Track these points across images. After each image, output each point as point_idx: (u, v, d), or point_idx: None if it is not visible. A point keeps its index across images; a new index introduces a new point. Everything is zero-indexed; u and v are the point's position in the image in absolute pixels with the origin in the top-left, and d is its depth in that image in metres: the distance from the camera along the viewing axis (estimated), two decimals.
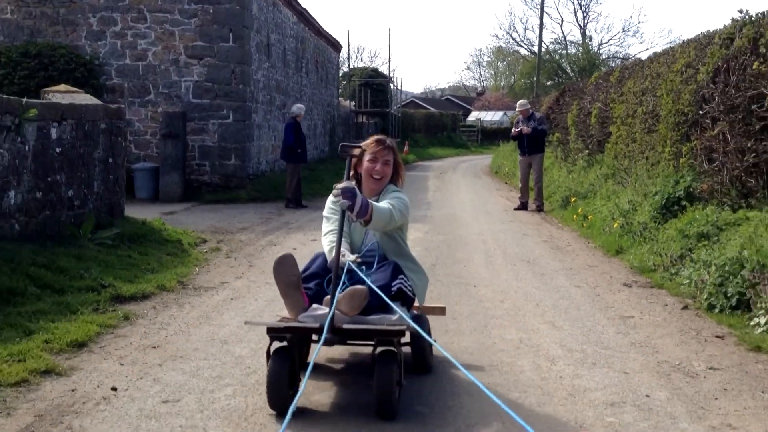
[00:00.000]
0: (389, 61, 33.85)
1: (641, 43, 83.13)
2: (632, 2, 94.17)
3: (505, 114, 51.70)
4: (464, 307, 5.98)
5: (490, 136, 48.57)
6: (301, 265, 3.99)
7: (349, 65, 33.11)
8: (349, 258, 3.84)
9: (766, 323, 5.12)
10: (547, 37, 62.59)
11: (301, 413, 3.61)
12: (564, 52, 52.86)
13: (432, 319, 5.57)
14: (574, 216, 11.50)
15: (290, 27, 18.74)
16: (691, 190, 8.70)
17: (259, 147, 15.87)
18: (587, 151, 14.65)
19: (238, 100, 14.61)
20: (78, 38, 14.45)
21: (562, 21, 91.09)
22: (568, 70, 51.59)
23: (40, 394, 3.85)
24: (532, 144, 13.32)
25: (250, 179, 15.07)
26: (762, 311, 5.26)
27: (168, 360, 4.46)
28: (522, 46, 55.46)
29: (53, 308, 5.25)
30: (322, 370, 4.29)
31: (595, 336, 5.18)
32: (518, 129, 13.40)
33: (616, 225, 9.54)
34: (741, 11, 8.87)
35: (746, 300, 5.61)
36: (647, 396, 3.98)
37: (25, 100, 6.65)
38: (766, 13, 8.29)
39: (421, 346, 4.29)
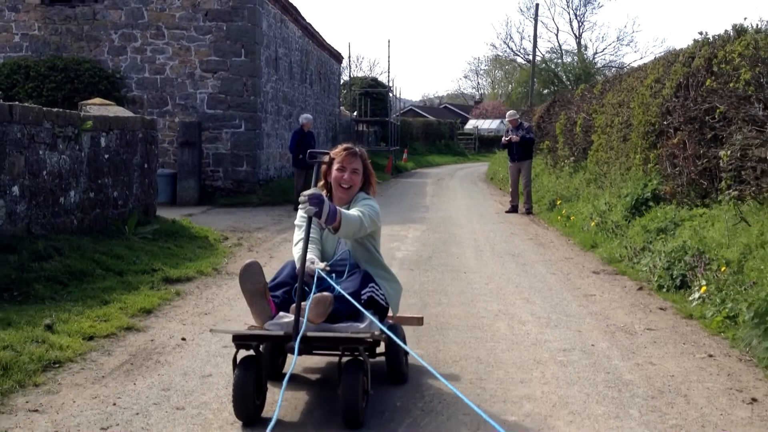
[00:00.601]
0: (389, 72, 35.05)
1: (635, 51, 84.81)
2: (627, 12, 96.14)
3: (501, 122, 52.96)
4: (455, 288, 7.22)
5: (487, 144, 49.89)
6: (271, 275, 4.13)
7: (350, 75, 34.38)
8: (318, 266, 3.83)
9: (699, 297, 6.35)
10: (543, 47, 64.12)
11: (269, 423, 3.79)
12: (560, 61, 54.16)
13: (427, 294, 6.82)
14: (559, 217, 12.75)
15: (296, 41, 20.03)
16: (657, 191, 9.96)
17: (268, 154, 17.12)
18: (573, 158, 15.92)
19: (250, 111, 15.87)
20: (101, 53, 15.71)
21: (558, 30, 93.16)
22: (564, 78, 52.93)
23: (128, 342, 5.08)
24: (521, 151, 14.56)
25: (260, 184, 16.30)
26: (697, 287, 6.49)
27: (219, 322, 5.68)
28: (518, 55, 56.85)
29: (118, 286, 6.48)
30: (296, 379, 4.32)
31: (561, 308, 6.41)
32: (508, 138, 14.66)
33: (593, 224, 10.78)
34: (701, 33, 10.18)
35: (687, 280, 6.85)
36: (592, 345, 5.22)
37: (82, 113, 7.89)
38: (720, 36, 9.58)
39: (395, 356, 4.27)
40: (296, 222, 4.24)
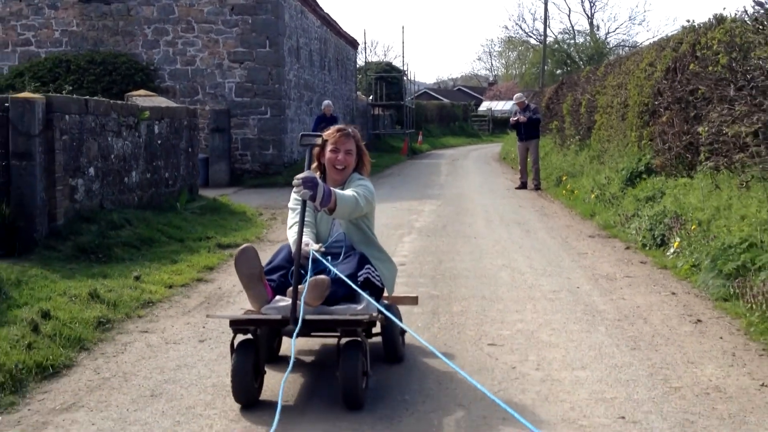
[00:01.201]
0: (403, 57, 36.14)
1: (648, 30, 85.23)
2: None
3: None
4: (466, 249, 8.42)
5: (501, 125, 50.77)
6: (266, 258, 4.19)
7: (365, 60, 35.47)
8: (313, 247, 3.84)
9: (673, 251, 7.51)
10: (556, 27, 64.88)
11: (269, 406, 3.66)
12: (572, 41, 54.86)
13: (442, 254, 8.03)
14: (564, 191, 13.89)
15: (314, 30, 21.19)
16: (650, 165, 11.09)
17: (292, 138, 18.35)
18: (578, 137, 17.03)
19: (274, 98, 17.09)
20: (135, 47, 16.97)
21: (570, 11, 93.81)
22: (577, 59, 53.66)
23: (200, 290, 6.34)
24: (528, 131, 15.69)
25: (285, 166, 17.54)
26: (674, 245, 7.65)
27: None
28: (531, 37, 57.58)
29: (181, 249, 7.75)
30: (288, 363, 4.32)
31: (556, 263, 7.60)
32: (516, 118, 15.78)
33: (593, 196, 11.92)
34: (688, 20, 11.27)
35: (665, 239, 8.01)
36: (577, 287, 6.41)
37: (140, 104, 9.14)
38: (704, 24, 10.67)
39: (391, 337, 4.35)
40: (290, 205, 4.28)
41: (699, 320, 5.34)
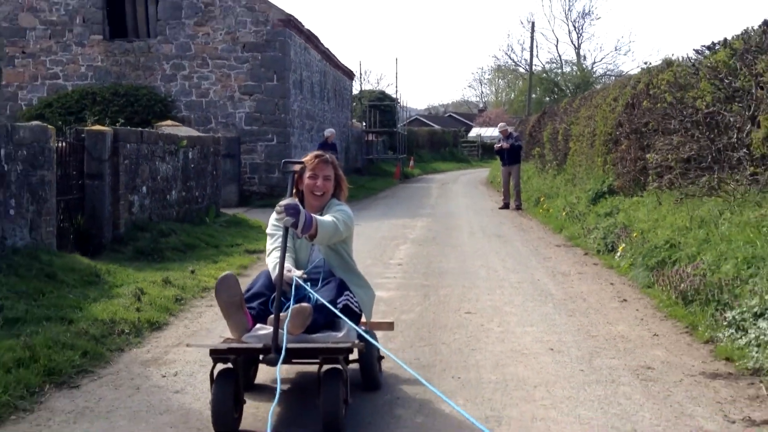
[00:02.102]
0: (396, 87, 38.15)
1: (633, 60, 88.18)
2: (623, 23, 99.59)
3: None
4: (452, 254, 10.22)
5: (490, 151, 52.72)
6: (245, 285, 4.26)
7: (360, 89, 37.47)
8: (295, 274, 3.88)
9: (619, 255, 9.32)
10: (544, 57, 67.28)
11: None
12: (560, 70, 57.16)
13: (431, 257, 9.83)
14: (541, 210, 15.74)
15: (315, 64, 23.15)
16: (612, 186, 12.97)
17: None
18: (556, 162, 18.93)
19: (280, 126, 18.95)
20: (155, 80, 18.83)
21: (558, 41, 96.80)
22: (564, 87, 55.93)
23: (242, 282, 8.09)
24: (510, 157, 17.57)
25: None
26: (619, 249, 9.47)
27: None
28: (520, 66, 59.82)
29: (218, 253, 9.54)
30: (266, 390, 4.40)
31: (524, 264, 9.41)
32: (499, 145, 17.68)
33: (564, 213, 13.76)
34: (645, 63, 13.23)
35: (614, 245, 9.83)
36: (538, 280, 8.22)
37: (179, 134, 10.97)
38: (656, 66, 12.62)
39: (369, 364, 4.37)
40: (268, 231, 4.38)
41: (624, 300, 7.15)
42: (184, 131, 13.72)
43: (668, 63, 12.20)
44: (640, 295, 7.35)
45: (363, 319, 4.35)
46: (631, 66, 69.32)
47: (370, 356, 4.36)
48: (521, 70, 61.26)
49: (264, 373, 4.59)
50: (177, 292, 7.00)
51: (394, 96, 39.37)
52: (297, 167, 4.27)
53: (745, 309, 5.46)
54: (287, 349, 3.58)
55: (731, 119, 8.37)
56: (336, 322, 3.95)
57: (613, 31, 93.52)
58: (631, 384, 4.59)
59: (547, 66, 57.68)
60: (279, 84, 18.84)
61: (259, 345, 3.68)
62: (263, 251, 10.30)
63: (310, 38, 21.66)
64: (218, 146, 13.07)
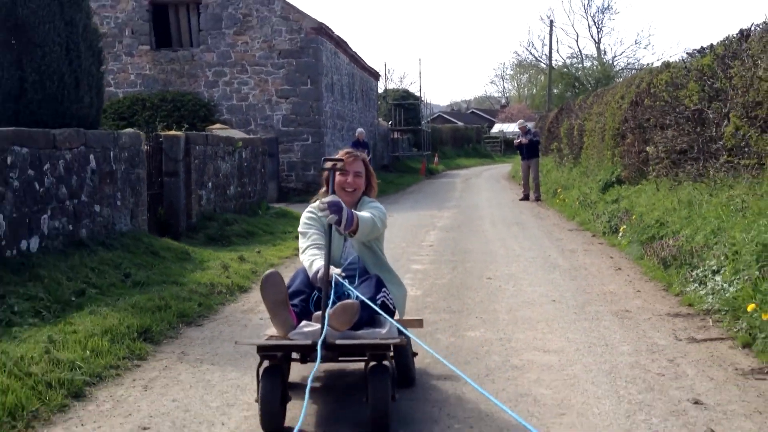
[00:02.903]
0: (420, 85, 39.81)
1: (653, 54, 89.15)
2: (643, 17, 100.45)
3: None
4: (475, 238, 11.83)
5: (513, 147, 54.21)
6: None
7: (385, 89, 39.12)
8: (335, 271, 3.88)
9: (621, 235, 10.87)
10: (564, 52, 68.39)
11: None
12: (580, 65, 58.37)
13: (457, 242, 11.45)
14: (557, 200, 17.29)
15: (344, 67, 24.84)
16: (619, 176, 14.50)
17: None
18: (572, 156, 20.45)
19: (314, 127, 20.66)
20: (198, 86, 20.62)
21: (578, 36, 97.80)
22: (585, 82, 57.16)
23: (294, 259, 9.78)
24: (529, 151, 19.11)
25: None
26: (621, 230, 11.01)
27: None
28: (540, 61, 61.11)
29: (275, 239, 11.23)
30: (299, 389, 4.39)
31: (538, 244, 11.00)
32: (518, 141, 19.24)
33: (577, 202, 15.31)
34: (648, 64, 14.76)
35: (617, 227, 11.38)
36: (549, 255, 9.81)
37: (237, 137, 12.69)
38: (657, 68, 14.12)
39: (404, 360, 4.40)
40: (300, 229, 4.44)
41: (619, 268, 8.73)
42: (233, 134, 15.46)
43: (666, 65, 13.72)
44: (632, 265, 8.93)
45: (396, 316, 4.43)
46: (651, 59, 70.32)
47: (406, 353, 4.43)
48: (542, 65, 62.60)
49: (300, 371, 4.68)
50: (251, 266, 8.71)
51: (417, 95, 41.00)
52: (331, 164, 4.25)
53: (706, 268, 7.04)
54: (336, 345, 3.71)
55: (712, 116, 9.90)
56: (375, 318, 4.02)
57: (632, 25, 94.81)
58: (610, 320, 6.20)
59: (568, 61, 58.91)
60: (312, 88, 20.55)
61: (308, 342, 3.70)
62: None
63: (339, 44, 23.35)
64: (265, 147, 14.80)
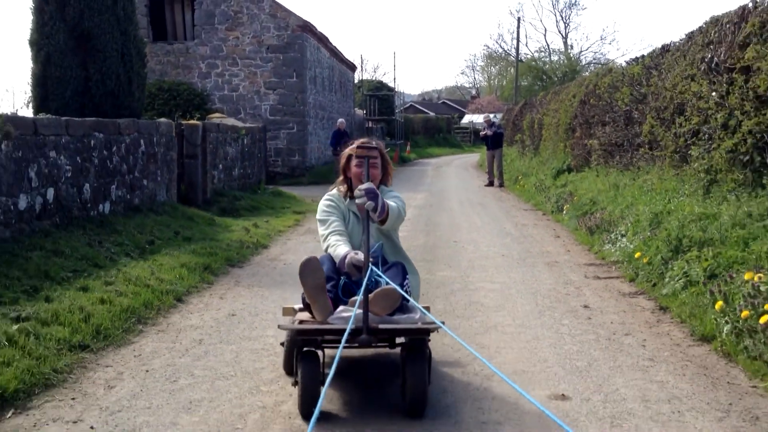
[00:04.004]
0: (394, 79, 42.03)
1: (617, 50, 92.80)
2: (609, 13, 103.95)
3: (495, 116, 60.01)
4: (444, 214, 14.22)
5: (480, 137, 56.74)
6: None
7: (361, 81, 41.34)
8: (361, 257, 4.04)
9: (564, 212, 13.29)
10: (533, 46, 70.95)
11: (328, 417, 3.94)
12: (548, 59, 61.06)
13: (429, 217, 13.86)
14: (518, 186, 19.75)
15: (326, 61, 27.05)
16: (569, 165, 16.98)
17: (311, 148, 24.15)
18: (533, 147, 22.94)
19: (299, 117, 22.87)
20: (192, 77, 22.70)
21: (546, 31, 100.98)
22: (552, 75, 59.88)
23: (299, 228, 12.10)
24: (494, 142, 21.54)
25: (307, 169, 23.32)
26: (565, 210, 13.45)
27: None
28: (510, 55, 63.72)
29: (276, 212, 13.51)
30: (337, 375, 4.45)
31: (496, 220, 13.41)
32: (484, 132, 21.67)
33: (534, 187, 17.77)
34: (597, 65, 17.22)
35: (562, 207, 13.83)
36: (504, 227, 12.24)
37: (241, 126, 14.92)
38: (600, 71, 16.60)
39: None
40: (319, 217, 4.53)
41: (558, 236, 11.17)
42: (228, 122, 17.63)
43: (609, 69, 16.23)
44: (568, 234, 11.37)
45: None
46: (616, 54, 73.59)
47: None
48: (511, 58, 65.19)
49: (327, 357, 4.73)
50: (265, 231, 11.00)
51: (391, 86, 43.27)
52: (373, 153, 4.45)
53: (617, 233, 9.48)
54: (379, 330, 3.81)
55: (636, 116, 12.37)
56: (403, 304, 4.07)
57: (598, 21, 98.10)
58: (542, 267, 8.61)
59: (536, 55, 61.59)
60: (298, 80, 22.76)
61: (351, 326, 3.61)
62: (305, 212, 14.31)
63: (322, 39, 25.56)
64: (262, 134, 17.02)
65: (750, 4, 8.70)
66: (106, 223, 8.66)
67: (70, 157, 8.20)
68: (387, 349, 4.57)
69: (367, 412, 4.02)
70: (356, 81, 41.98)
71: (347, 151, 4.58)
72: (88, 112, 9.82)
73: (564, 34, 63.45)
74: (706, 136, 8.79)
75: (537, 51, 62.87)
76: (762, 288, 5.24)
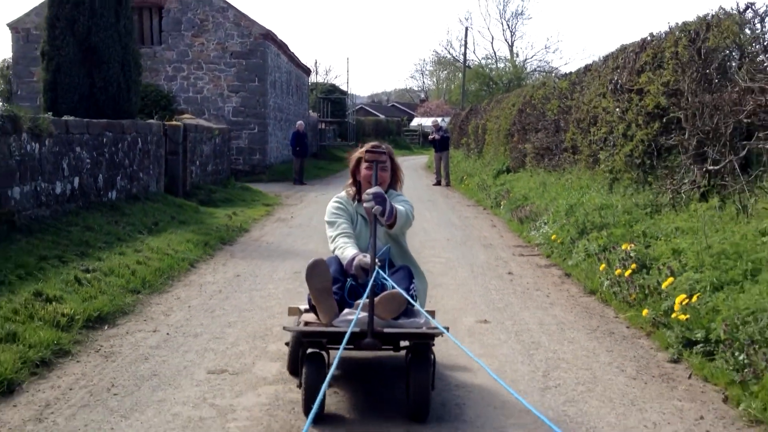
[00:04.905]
0: (348, 83, 44.02)
1: (560, 58, 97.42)
2: (552, 24, 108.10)
3: (443, 120, 62.40)
4: None
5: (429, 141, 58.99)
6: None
7: (316, 84, 43.18)
8: (368, 260, 4.05)
9: (502, 207, 15.41)
10: (480, 53, 73.70)
11: (333, 419, 4.01)
12: (494, 66, 63.75)
13: None
14: (462, 185, 21.88)
15: (284, 66, 28.83)
16: (508, 167, 19.17)
17: (271, 148, 25.91)
18: (477, 150, 25.13)
19: (260, 118, 24.63)
20: (159, 80, 24.27)
21: (493, 39, 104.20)
22: (498, 81, 62.56)
23: (272, 216, 13.95)
24: (441, 145, 23.64)
25: (267, 167, 25.08)
26: (502, 204, 15.56)
27: (304, 209, 14.57)
28: (458, 61, 66.23)
29: (247, 204, 15.32)
30: (336, 377, 4.65)
31: (442, 213, 15.46)
32: (432, 136, 23.77)
33: (477, 186, 19.89)
34: (537, 78, 19.47)
35: (499, 202, 15.95)
36: (449, 219, 14.29)
37: (215, 126, 16.69)
38: (535, 84, 18.84)
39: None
40: (327, 219, 4.63)
41: (494, 226, 13.26)
42: (201, 122, 19.33)
43: (543, 83, 18.46)
44: (503, 224, 13.48)
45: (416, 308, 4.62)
46: (559, 63, 77.14)
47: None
48: (459, 64, 67.74)
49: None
50: (243, 218, 12.82)
51: (343, 89, 45.19)
52: (383, 158, 4.50)
53: (541, 221, 11.58)
54: (383, 334, 3.85)
55: (562, 125, 14.56)
56: (409, 308, 4.10)
57: (543, 30, 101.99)
58: (479, 248, 10.64)
59: (484, 61, 64.24)
60: (259, 85, 24.52)
61: (356, 329, 3.73)
62: (272, 204, 16.15)
63: (282, 46, 27.36)
64: (230, 134, 18.77)
65: (648, 37, 10.90)
66: (115, 208, 10.40)
67: (89, 152, 9.94)
68: (393, 352, 4.59)
69: (372, 414, 4.12)
70: (310, 84, 43.76)
71: (357, 154, 4.68)
72: (92, 114, 11.49)
73: (510, 43, 66.41)
74: (611, 143, 10.95)
75: (484, 58, 65.54)
76: (632, 254, 7.33)
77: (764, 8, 8.23)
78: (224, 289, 7.40)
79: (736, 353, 4.71)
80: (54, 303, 5.66)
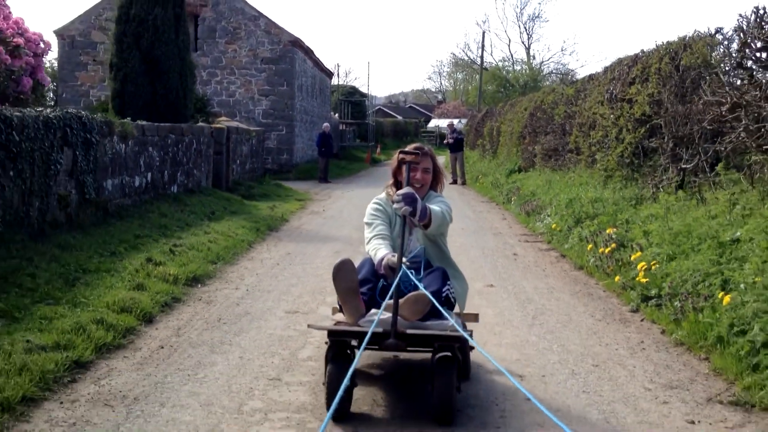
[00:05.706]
0: (368, 86, 45.88)
1: (577, 61, 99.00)
2: (569, 26, 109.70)
3: (460, 121, 64.09)
4: None
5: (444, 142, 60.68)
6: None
7: (338, 87, 45.05)
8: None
9: (513, 203, 17.13)
10: (497, 55, 75.28)
11: (358, 417, 4.08)
12: (511, 68, 65.37)
13: None
14: (477, 184, 23.61)
15: (310, 70, 30.69)
16: (520, 166, 20.89)
17: (297, 148, 27.76)
18: (492, 151, 26.86)
19: (288, 120, 26.48)
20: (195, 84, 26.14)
21: (510, 41, 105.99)
22: (514, 83, 64.14)
23: (304, 210, 15.76)
24: (456, 147, 25.36)
25: (294, 167, 26.92)
26: (512, 200, 17.27)
27: (334, 203, 16.37)
28: (475, 63, 67.86)
29: (282, 199, 17.14)
30: (363, 376, 4.73)
31: (457, 208, 17.14)
32: (446, 140, 25.52)
33: (490, 184, 21.62)
34: (546, 85, 21.19)
35: (511, 198, 17.66)
36: (465, 213, 16.03)
37: (252, 129, 18.55)
38: (545, 90, 20.54)
39: (464, 353, 4.55)
40: (365, 220, 4.71)
41: (504, 218, 15.00)
42: (236, 124, 21.19)
43: (552, 89, 20.17)
44: (512, 217, 15.21)
45: (456, 310, 4.65)
46: (575, 65, 78.65)
47: (464, 346, 4.50)
48: (476, 66, 69.37)
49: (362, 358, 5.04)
50: (282, 210, 14.62)
51: (363, 91, 47.03)
52: (408, 158, 4.47)
53: (545, 214, 13.30)
54: (407, 335, 3.92)
55: (567, 128, 16.27)
56: (439, 310, 4.03)
57: (559, 33, 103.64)
58: (490, 236, 12.38)
59: (500, 64, 65.89)
60: (288, 89, 26.37)
61: (379, 329, 3.81)
62: (305, 200, 17.97)
63: (308, 52, 29.22)
64: (262, 136, 20.62)
65: (639, 53, 12.60)
66: (177, 199, 12.25)
67: (158, 152, 11.80)
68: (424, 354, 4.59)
69: (397, 414, 4.18)
70: (331, 86, 45.62)
71: (399, 155, 4.69)
72: (154, 119, 13.33)
73: (527, 45, 67.94)
74: (606, 145, 12.67)
75: (501, 60, 67.22)
76: (614, 236, 9.06)
77: (731, 33, 9.88)
78: (281, 263, 9.20)
79: (675, 302, 6.44)
80: (161, 266, 7.48)
